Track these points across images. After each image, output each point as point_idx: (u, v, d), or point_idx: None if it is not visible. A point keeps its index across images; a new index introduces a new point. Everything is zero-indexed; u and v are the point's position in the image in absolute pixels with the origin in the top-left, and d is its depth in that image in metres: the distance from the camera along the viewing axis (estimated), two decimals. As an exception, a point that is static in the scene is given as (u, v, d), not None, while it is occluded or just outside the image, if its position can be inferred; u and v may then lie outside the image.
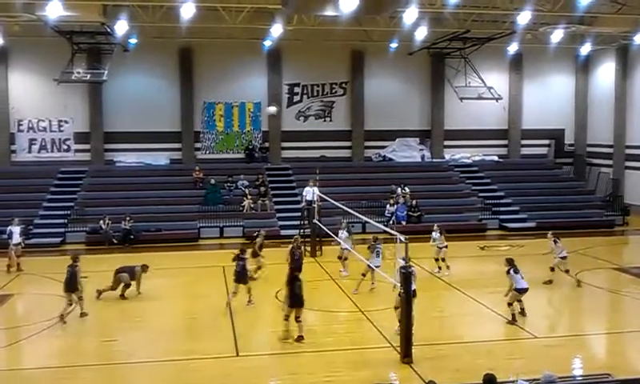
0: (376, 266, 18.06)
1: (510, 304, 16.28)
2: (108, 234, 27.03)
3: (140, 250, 25.56)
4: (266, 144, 35.10)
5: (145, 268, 18.88)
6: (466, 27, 28.90)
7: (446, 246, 21.30)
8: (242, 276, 17.09)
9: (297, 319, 14.55)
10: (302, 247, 19.09)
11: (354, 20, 27.26)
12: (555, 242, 20.46)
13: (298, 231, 22.39)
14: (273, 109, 27.56)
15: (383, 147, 36.14)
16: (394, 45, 33.35)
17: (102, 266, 21.14)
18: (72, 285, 16.38)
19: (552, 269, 20.17)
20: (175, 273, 21.83)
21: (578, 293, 19.63)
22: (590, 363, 13.87)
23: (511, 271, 16.38)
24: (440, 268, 21.38)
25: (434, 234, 21.60)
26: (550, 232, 21.18)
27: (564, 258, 19.99)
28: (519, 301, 16.43)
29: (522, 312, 16.53)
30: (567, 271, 20.07)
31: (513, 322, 16.05)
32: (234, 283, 17.15)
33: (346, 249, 21.07)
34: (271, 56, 34.53)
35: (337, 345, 14.48)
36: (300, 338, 14.46)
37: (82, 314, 16.56)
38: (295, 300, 14.46)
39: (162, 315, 17.10)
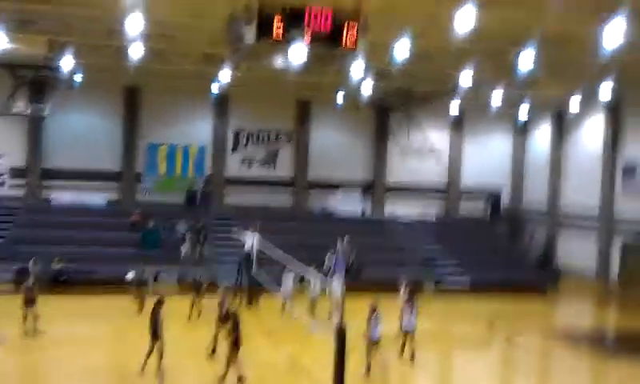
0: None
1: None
2: (37, 274, 25.81)
3: (70, 293, 24.61)
4: (209, 189, 34.68)
5: None
6: (411, 84, 29.43)
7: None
8: (158, 330, 15.11)
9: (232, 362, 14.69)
10: (231, 297, 18.79)
11: (303, 70, 27.43)
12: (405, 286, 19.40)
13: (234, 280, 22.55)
14: None
15: (326, 197, 36.28)
16: (340, 95, 33.37)
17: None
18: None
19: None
20: (104, 318, 21.03)
21: (508, 356, 19.80)
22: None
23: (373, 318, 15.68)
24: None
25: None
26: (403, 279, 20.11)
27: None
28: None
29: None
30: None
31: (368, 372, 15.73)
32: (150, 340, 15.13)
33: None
34: (218, 100, 34.54)
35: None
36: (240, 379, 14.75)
37: None
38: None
39: (86, 363, 16.35)
